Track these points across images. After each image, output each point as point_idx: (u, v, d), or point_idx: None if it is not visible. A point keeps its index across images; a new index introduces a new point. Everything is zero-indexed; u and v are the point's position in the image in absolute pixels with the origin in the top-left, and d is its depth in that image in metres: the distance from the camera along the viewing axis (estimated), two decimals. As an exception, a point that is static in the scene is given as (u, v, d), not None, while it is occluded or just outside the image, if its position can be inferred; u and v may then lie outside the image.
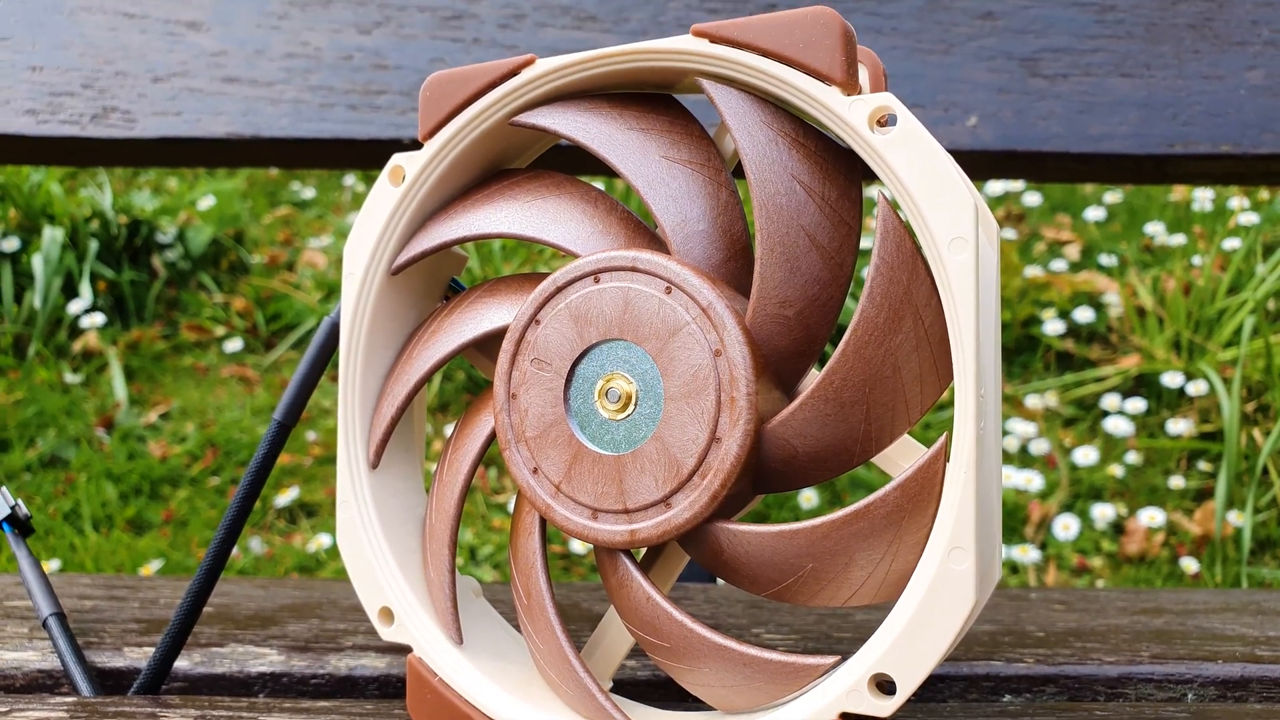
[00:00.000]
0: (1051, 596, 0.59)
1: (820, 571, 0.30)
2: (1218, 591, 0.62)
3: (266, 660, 0.44)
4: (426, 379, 0.36)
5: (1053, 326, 1.93)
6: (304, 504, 1.66)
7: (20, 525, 0.47)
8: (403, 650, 0.44)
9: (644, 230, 0.34)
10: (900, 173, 0.28)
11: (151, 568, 1.43)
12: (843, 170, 0.31)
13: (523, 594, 0.35)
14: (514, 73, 0.34)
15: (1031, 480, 1.68)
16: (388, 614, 0.36)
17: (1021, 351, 1.95)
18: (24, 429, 1.79)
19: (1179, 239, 2.10)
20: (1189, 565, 1.59)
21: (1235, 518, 1.66)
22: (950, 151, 0.61)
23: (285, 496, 1.63)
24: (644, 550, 0.35)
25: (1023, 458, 1.77)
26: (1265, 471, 1.74)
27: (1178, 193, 2.32)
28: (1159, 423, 1.86)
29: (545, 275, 0.34)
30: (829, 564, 0.30)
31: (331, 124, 0.57)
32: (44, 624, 0.43)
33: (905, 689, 0.28)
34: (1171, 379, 1.88)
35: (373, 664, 0.43)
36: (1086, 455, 1.73)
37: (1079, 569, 1.63)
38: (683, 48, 0.31)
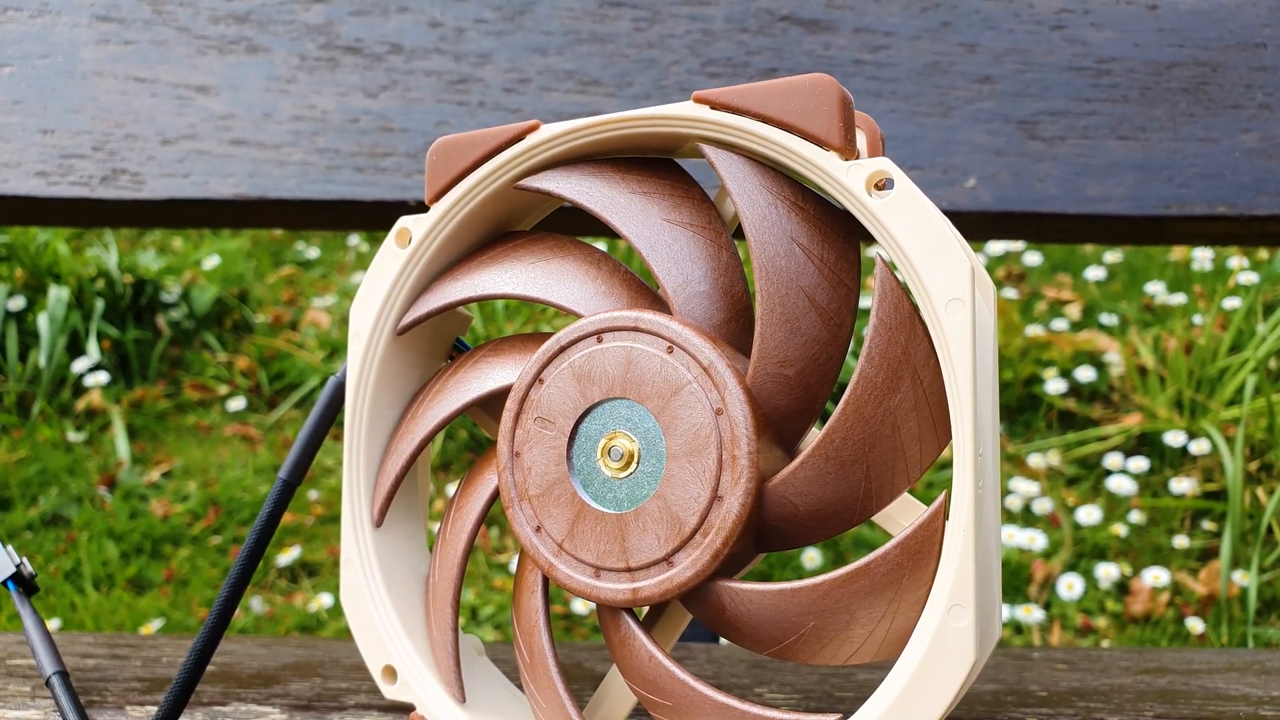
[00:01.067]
0: (1054, 656, 0.58)
1: (822, 630, 0.30)
2: (1222, 651, 0.61)
3: (269, 719, 0.44)
4: (431, 438, 0.37)
5: (1054, 385, 1.93)
6: (306, 563, 1.65)
7: (25, 584, 0.47)
8: (406, 709, 0.44)
9: (646, 291, 0.35)
10: (897, 236, 0.29)
11: (152, 627, 1.42)
12: (841, 232, 0.31)
13: (525, 653, 0.35)
14: (519, 138, 0.35)
15: (1035, 539, 1.67)
16: (391, 672, 0.36)
17: (1024, 410, 1.95)
18: (26, 487, 1.79)
19: (1179, 298, 2.11)
20: (1195, 625, 1.57)
21: (1240, 577, 1.65)
22: (949, 213, 0.62)
23: (287, 556, 1.63)
24: (646, 609, 0.35)
25: (1026, 517, 1.76)
26: (1270, 531, 1.73)
27: (1177, 252, 2.34)
28: (1162, 481, 1.86)
29: (549, 335, 0.35)
30: (830, 622, 0.30)
31: (338, 186, 0.58)
32: (47, 682, 0.43)
33: (908, 749, 0.28)
34: (1174, 438, 1.88)
35: (374, 724, 0.43)
36: (1089, 514, 1.72)
37: (1083, 629, 1.62)
38: (684, 114, 0.32)
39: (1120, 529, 1.78)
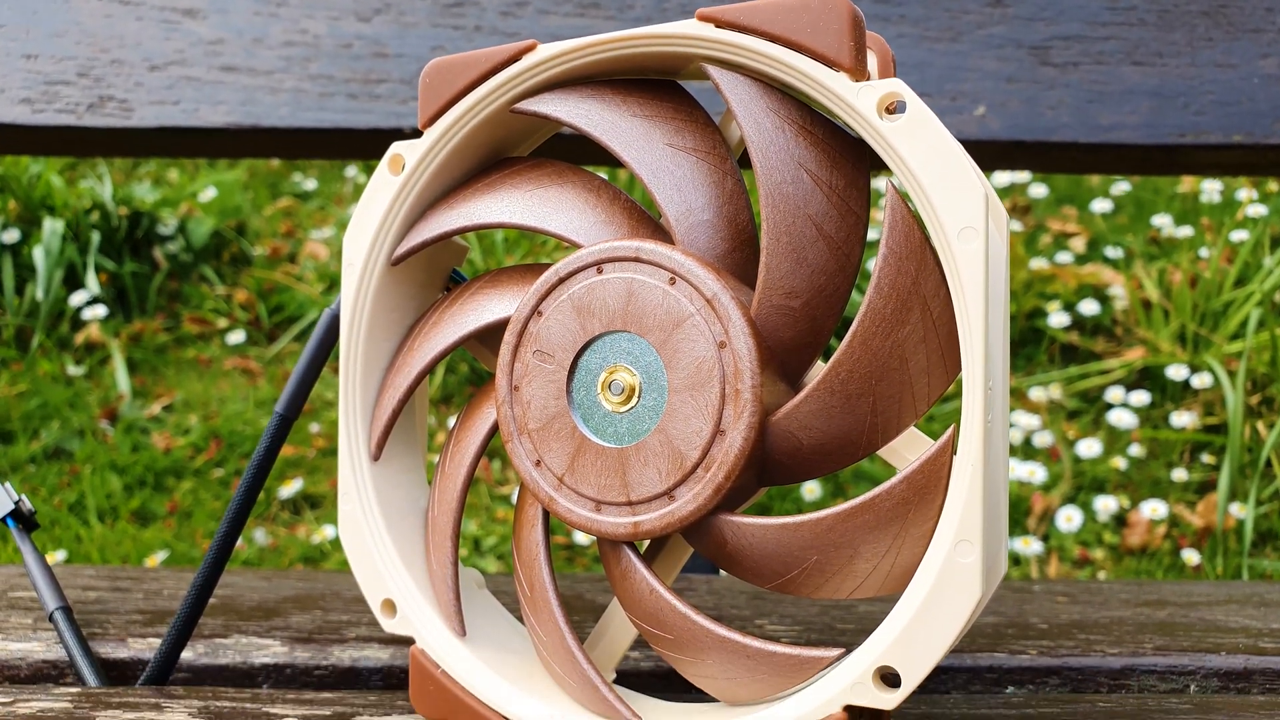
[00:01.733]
0: (1054, 589, 0.58)
1: (825, 564, 0.30)
2: (1220, 584, 0.61)
3: (270, 651, 0.44)
4: (428, 371, 0.36)
5: (1057, 319, 1.92)
6: (308, 495, 1.66)
7: (24, 520, 0.47)
8: (406, 642, 0.44)
9: (648, 220, 0.34)
10: (909, 161, 0.28)
11: (157, 559, 1.43)
12: (850, 158, 0.30)
13: (526, 586, 0.35)
14: (515, 58, 0.34)
15: (1035, 473, 1.67)
16: (390, 606, 0.36)
17: (1026, 344, 1.95)
18: (28, 421, 1.79)
19: (1186, 231, 2.09)
20: (1190, 557, 1.58)
21: (1238, 510, 1.66)
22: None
23: (289, 488, 1.64)
24: (647, 542, 0.35)
25: (1026, 450, 1.77)
26: (1269, 464, 1.74)
27: (1185, 184, 2.32)
28: (1163, 415, 1.86)
29: (547, 266, 0.34)
30: (834, 557, 0.29)
31: (331, 113, 0.57)
32: (50, 618, 0.43)
33: (910, 682, 0.27)
34: (1176, 372, 1.88)
35: (376, 655, 0.43)
36: (1090, 448, 1.73)
37: (1081, 561, 1.63)
38: (687, 32, 0.31)
39: (1120, 462, 1.78)
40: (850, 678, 0.28)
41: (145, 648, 0.44)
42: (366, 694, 0.38)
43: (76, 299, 2.01)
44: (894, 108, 0.28)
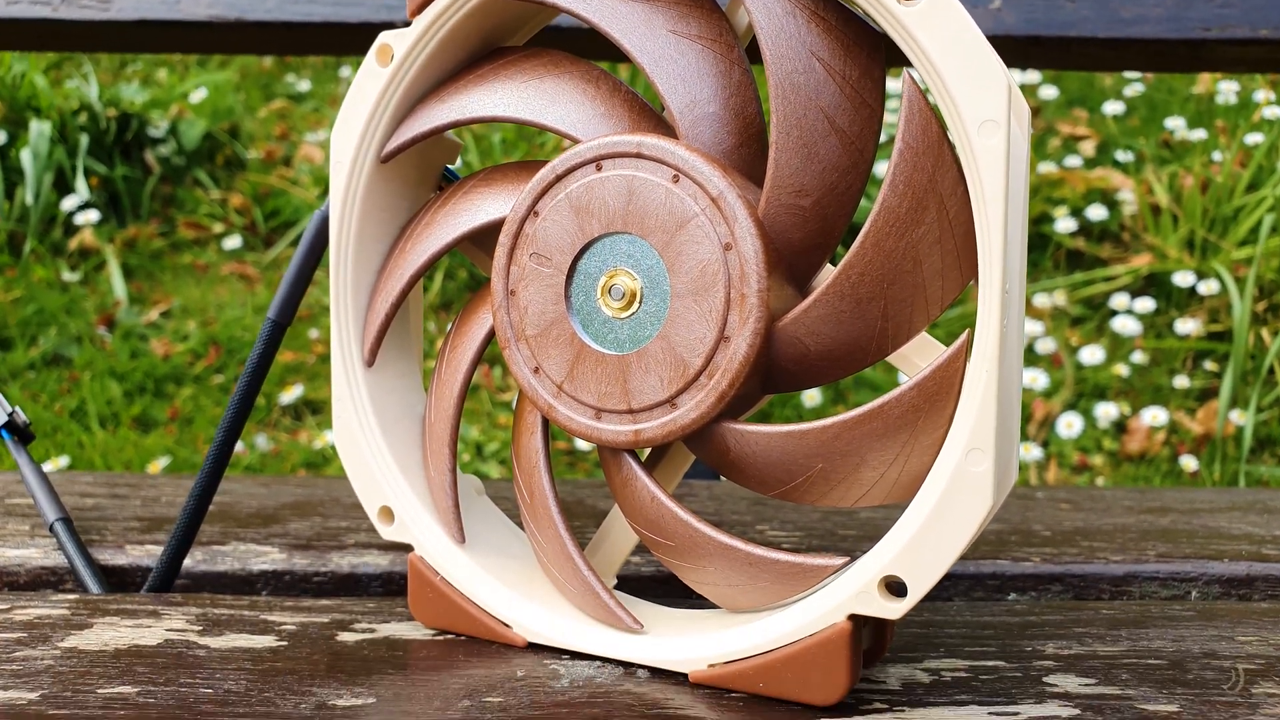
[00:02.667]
0: (1058, 496, 0.58)
1: (830, 472, 0.29)
2: (1223, 490, 0.61)
3: (268, 558, 0.43)
4: (421, 274, 0.35)
5: (1064, 224, 1.90)
6: (309, 401, 1.66)
7: (19, 432, 0.46)
8: (405, 548, 0.43)
9: (650, 113, 0.32)
10: (928, 49, 0.26)
11: (159, 464, 1.44)
12: (865, 47, 0.28)
13: (526, 493, 0.34)
14: (510, -58, 0.32)
15: (1036, 379, 1.67)
16: (388, 513, 0.35)
17: (1032, 249, 1.92)
18: (25, 327, 1.78)
19: (1199, 134, 2.05)
20: (1188, 464, 1.59)
21: (1238, 417, 1.66)
22: None
23: (289, 394, 1.64)
24: (649, 449, 0.34)
25: (1028, 356, 1.76)
26: (1271, 371, 1.74)
27: (1201, 85, 2.26)
28: (1167, 322, 1.85)
29: (543, 163, 0.32)
30: (839, 465, 0.29)
31: (320, 6, 0.54)
32: (50, 529, 0.42)
33: (917, 592, 0.27)
34: (1183, 278, 1.86)
35: (375, 561, 0.43)
36: (1093, 355, 1.72)
37: (1080, 467, 1.64)
38: (692, -88, 0.29)
39: (1122, 369, 1.78)
40: (855, 586, 0.28)
41: (143, 554, 0.44)
42: (365, 600, 0.38)
43: (68, 203, 1.98)
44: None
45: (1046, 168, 1.97)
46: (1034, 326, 1.80)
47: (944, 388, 0.27)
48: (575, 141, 0.32)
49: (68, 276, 1.92)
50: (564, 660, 0.33)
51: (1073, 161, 2.07)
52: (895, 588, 0.27)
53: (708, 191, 0.29)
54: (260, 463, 1.54)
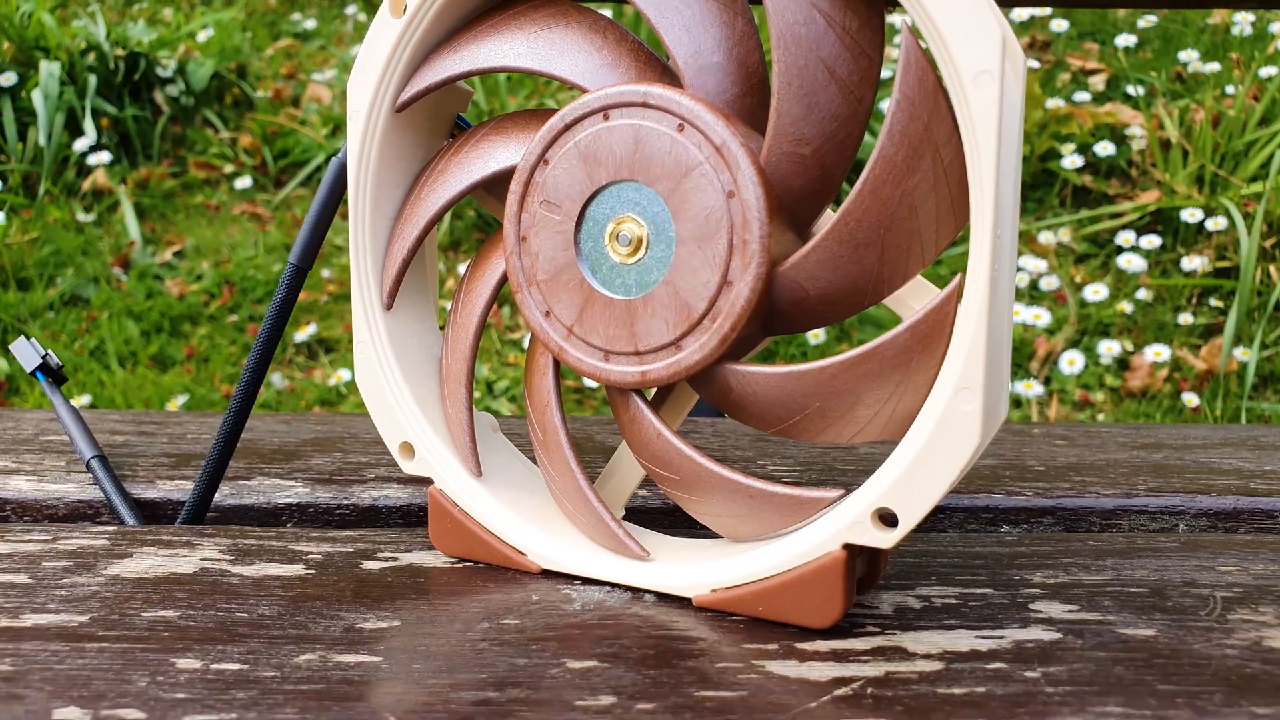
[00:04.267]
0: (1054, 432, 0.60)
1: (826, 410, 0.30)
2: (1218, 427, 0.62)
3: (292, 492, 0.45)
4: (436, 220, 0.36)
5: (1071, 161, 1.89)
6: (322, 340, 1.68)
7: (53, 374, 0.48)
8: (424, 482, 0.45)
9: (655, 62, 0.33)
10: (925, 2, 0.27)
11: (178, 402, 1.47)
12: (863, -1, 0.29)
13: (539, 430, 0.36)
14: (519, -106, 0.32)
15: (1040, 316, 1.68)
16: (408, 448, 0.37)
17: (1038, 186, 1.92)
18: (43, 268, 1.80)
19: (1213, 67, 2.02)
20: (1190, 400, 1.60)
21: (1241, 354, 1.67)
22: None
23: (303, 334, 1.65)
24: (654, 389, 0.35)
25: (1032, 294, 1.77)
26: (1278, 307, 1.74)
27: (1217, 16, 2.22)
28: (1174, 259, 1.85)
29: (553, 111, 0.33)
30: (835, 403, 0.30)
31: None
32: (86, 465, 0.44)
33: (907, 522, 0.29)
34: (1190, 214, 1.85)
35: (395, 494, 0.45)
36: (1097, 292, 1.72)
37: (1081, 403, 1.65)
38: None
39: (1126, 306, 1.78)
40: (849, 517, 0.29)
41: (174, 489, 0.46)
42: (386, 531, 0.40)
43: (80, 144, 1.99)
44: (911, -55, 0.27)
45: (1055, 103, 1.95)
46: (1038, 264, 1.80)
47: (936, 330, 0.28)
48: (583, 91, 0.33)
49: (82, 217, 1.93)
50: (575, 585, 0.35)
51: (1082, 96, 2.05)
52: (887, 519, 0.29)
53: (711, 140, 0.30)
54: (276, 401, 1.56)
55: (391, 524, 0.45)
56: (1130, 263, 1.77)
